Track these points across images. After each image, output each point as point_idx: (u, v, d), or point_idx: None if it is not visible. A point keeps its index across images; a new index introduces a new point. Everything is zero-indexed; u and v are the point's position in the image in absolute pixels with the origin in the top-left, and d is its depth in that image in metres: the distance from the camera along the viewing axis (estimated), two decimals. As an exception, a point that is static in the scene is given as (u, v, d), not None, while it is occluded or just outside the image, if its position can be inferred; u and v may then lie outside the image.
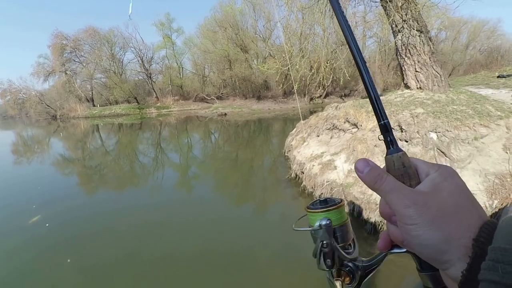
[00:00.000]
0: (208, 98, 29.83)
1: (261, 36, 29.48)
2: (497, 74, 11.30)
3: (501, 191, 3.73)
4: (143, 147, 13.58)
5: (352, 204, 4.25)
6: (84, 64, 37.45)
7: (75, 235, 4.61)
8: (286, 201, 5.56)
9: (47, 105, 37.37)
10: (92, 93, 39.01)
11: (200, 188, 7.09)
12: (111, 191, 7.38)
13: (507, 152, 4.26)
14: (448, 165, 3.78)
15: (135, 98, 34.07)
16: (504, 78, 9.99)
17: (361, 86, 23.79)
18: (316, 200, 0.60)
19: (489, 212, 3.61)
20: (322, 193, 4.64)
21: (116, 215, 5.36)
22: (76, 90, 37.76)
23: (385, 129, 0.43)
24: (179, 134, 16.83)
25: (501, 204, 3.60)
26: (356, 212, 4.21)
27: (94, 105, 37.80)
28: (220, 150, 12.15)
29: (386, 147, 0.43)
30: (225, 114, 23.29)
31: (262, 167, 8.79)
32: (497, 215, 3.55)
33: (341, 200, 0.58)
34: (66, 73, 37.97)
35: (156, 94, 35.49)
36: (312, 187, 4.92)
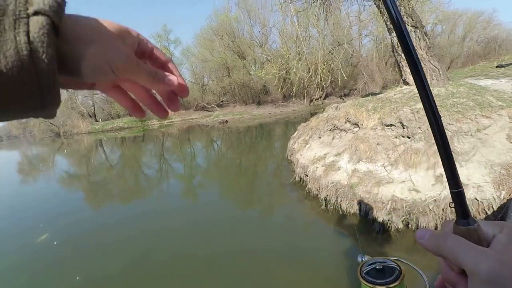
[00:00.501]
0: (209, 107, 29.97)
1: (258, 41, 29.73)
2: (495, 64, 11.25)
3: (508, 181, 3.68)
4: (146, 159, 13.64)
5: (358, 204, 4.22)
6: (85, 80, 37.96)
7: (83, 250, 4.62)
8: (291, 204, 5.54)
9: (50, 123, 37.83)
10: (94, 108, 39.51)
11: (206, 196, 7.12)
12: (117, 204, 7.40)
13: (511, 142, 4.23)
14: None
15: None
16: (503, 68, 9.94)
17: (360, 85, 23.81)
18: (369, 265, 0.54)
19: (497, 203, 3.56)
20: (327, 195, 4.61)
21: (123, 228, 5.36)
22: (78, 106, 38.27)
23: (460, 197, 0.38)
24: (182, 144, 16.89)
25: (509, 195, 3.55)
26: (363, 212, 4.17)
27: (96, 120, 38.24)
28: (223, 157, 12.16)
29: (457, 216, 0.38)
30: (226, 121, 23.38)
31: (266, 172, 8.78)
32: (505, 206, 3.50)
33: (400, 269, 0.51)
34: (67, 90, 38.50)
35: (157, 105, 35.88)
36: (317, 190, 4.89)
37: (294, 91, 19.01)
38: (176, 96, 0.41)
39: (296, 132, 7.41)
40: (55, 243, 4.95)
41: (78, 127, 35.09)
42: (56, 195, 8.78)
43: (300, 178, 5.72)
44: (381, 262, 0.55)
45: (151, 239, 4.77)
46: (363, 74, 23.48)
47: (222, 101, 29.84)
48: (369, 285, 0.51)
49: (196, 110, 31.77)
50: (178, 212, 5.97)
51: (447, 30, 29.36)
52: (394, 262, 0.54)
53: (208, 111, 29.87)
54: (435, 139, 0.39)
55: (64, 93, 38.68)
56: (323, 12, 7.54)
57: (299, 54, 12.17)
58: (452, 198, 0.38)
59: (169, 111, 0.43)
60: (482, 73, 9.73)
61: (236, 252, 4.08)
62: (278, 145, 12.65)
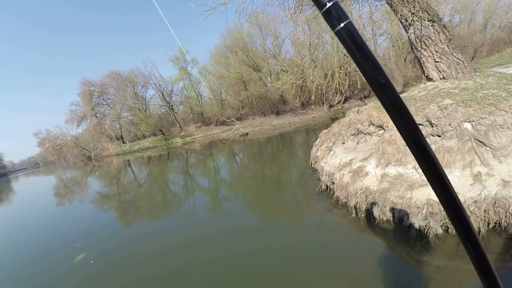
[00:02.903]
0: (228, 121, 30.50)
1: (271, 53, 30.10)
2: (527, 49, 10.47)
3: (558, 175, 3.36)
4: (172, 176, 14.02)
5: (392, 210, 4.02)
6: (111, 106, 40.43)
7: (119, 268, 4.78)
8: (320, 214, 5.38)
9: (82, 148, 40.33)
10: (121, 131, 41.65)
11: (232, 208, 7.15)
12: (147, 221, 7.62)
13: (556, 132, 3.88)
14: (490, 154, 3.49)
15: (161, 130, 35.87)
16: (536, 53, 9.22)
17: (380, 85, 23.18)
18: None
19: (549, 201, 3.25)
20: (357, 203, 4.45)
21: (153, 244, 5.49)
22: (106, 130, 40.59)
23: None
24: (205, 159, 17.21)
25: (562, 191, 3.23)
26: (397, 218, 3.96)
27: (124, 142, 40.21)
28: (246, 169, 12.20)
29: None
30: (247, 133, 23.60)
31: (290, 182, 8.67)
32: (559, 203, 3.17)
33: None
34: (96, 116, 41.07)
35: (179, 124, 37.12)
36: (345, 197, 4.73)
37: (313, 99, 18.87)
38: None
39: (318, 139, 7.28)
40: (91, 262, 5.15)
41: (108, 150, 37.02)
42: (90, 215, 9.22)
43: (327, 186, 5.57)
44: None
45: (182, 253, 4.85)
46: (382, 74, 22.90)
47: (241, 114, 30.26)
48: None
49: (217, 125, 32.47)
50: (206, 226, 6.02)
51: (466, 19, 28.00)
52: None
53: (228, 125, 30.38)
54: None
55: (93, 119, 41.20)
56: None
57: (314, 61, 12.11)
58: None
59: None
60: (511, 60, 9.08)
61: (268, 266, 4.00)
62: (300, 154, 12.51)
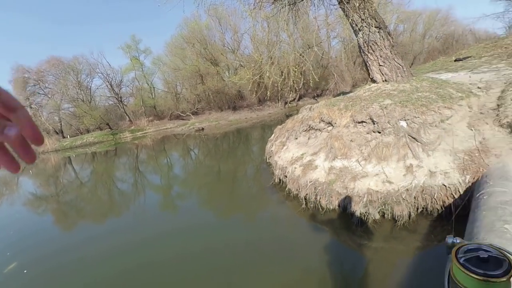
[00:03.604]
0: (184, 115, 29.45)
1: (230, 48, 29.83)
2: (454, 58, 12.00)
3: (471, 166, 3.95)
4: (120, 174, 13.08)
5: (337, 200, 4.32)
6: (50, 96, 35.90)
7: (57, 275, 4.32)
8: (273, 207, 5.56)
9: (12, 143, 35.20)
10: (61, 124, 37.27)
11: (186, 206, 6.97)
12: (90, 224, 6.99)
13: (471, 129, 4.55)
14: (420, 149, 3.94)
15: (107, 124, 32.89)
16: (461, 61, 10.65)
17: (331, 85, 24.63)
18: (468, 251, 0.47)
19: (463, 187, 3.80)
20: (307, 194, 4.68)
21: (98, 248, 5.07)
22: (43, 123, 35.92)
23: None
24: (157, 155, 16.42)
25: (473, 178, 3.80)
26: (341, 207, 4.28)
27: (64, 137, 36.07)
28: (201, 165, 11.98)
29: None
30: (203, 128, 23.10)
31: (246, 177, 8.77)
32: (470, 189, 3.74)
33: (509, 261, 0.45)
34: (31, 107, 36.18)
35: (129, 117, 34.54)
36: (296, 190, 4.95)
37: (269, 95, 19.23)
38: (29, 147, 0.38)
39: (273, 135, 7.48)
40: (25, 271, 4.58)
41: (44, 146, 32.99)
42: (22, 219, 8.15)
43: (280, 180, 5.76)
44: (485, 251, 0.48)
45: (131, 255, 4.56)
46: (334, 75, 24.33)
47: (197, 108, 29.46)
48: (479, 277, 0.45)
49: (171, 119, 31.10)
50: (158, 225, 5.77)
51: (409, 29, 31.26)
52: (497, 250, 0.47)
53: (183, 119, 29.34)
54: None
55: (28, 110, 36.25)
56: (292, 16, 7.73)
57: (271, 58, 12.34)
58: None
59: (24, 163, 0.39)
60: (442, 67, 10.38)
61: (223, 261, 4.01)
62: (256, 149, 12.69)
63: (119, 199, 8.78)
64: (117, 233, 5.67)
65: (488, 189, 3.20)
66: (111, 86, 34.77)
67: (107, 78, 34.55)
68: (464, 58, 10.93)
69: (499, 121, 4.40)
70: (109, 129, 32.50)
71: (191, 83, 30.80)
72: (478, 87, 5.79)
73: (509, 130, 4.18)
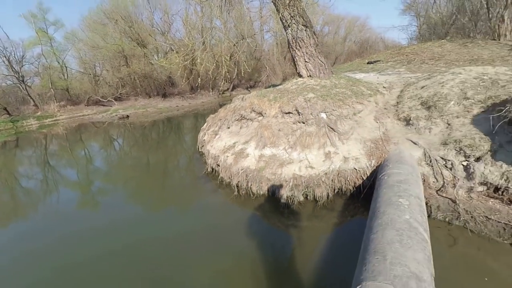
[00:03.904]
0: (105, 101, 26.21)
1: (160, 29, 27.65)
2: (367, 61, 13.84)
3: (376, 152, 4.70)
4: (25, 169, 11.00)
5: (266, 185, 4.60)
6: None
7: None
8: (206, 196, 5.56)
9: None
10: None
11: (110, 202, 6.25)
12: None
13: (377, 122, 5.38)
14: (337, 138, 4.47)
15: (5, 109, 26.71)
16: (372, 64, 12.36)
17: (263, 77, 25.49)
18: None
19: (369, 170, 4.51)
20: (239, 181, 4.84)
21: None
22: None
23: None
24: (72, 146, 14.34)
25: (377, 162, 4.54)
26: (271, 192, 4.58)
27: None
28: (127, 156, 11.02)
29: None
30: (127, 116, 21.08)
31: (178, 167, 8.47)
32: (375, 172, 4.46)
33: None
34: None
35: (34, 101, 28.75)
36: (229, 178, 5.06)
37: (200, 82, 18.76)
38: None
39: (205, 124, 7.40)
40: None
41: None
42: None
43: (212, 169, 5.78)
44: None
45: (44, 259, 3.98)
46: (266, 67, 25.17)
47: (120, 94, 26.52)
48: None
49: (88, 105, 27.33)
50: (77, 226, 5.06)
51: (333, 31, 34.67)
52: None
53: (104, 105, 26.15)
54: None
55: None
56: (226, 4, 7.63)
57: (204, 44, 11.99)
58: None
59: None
60: (357, 68, 11.89)
61: (154, 253, 3.87)
62: (188, 139, 12.32)
63: (24, 199, 7.38)
64: (25, 238, 4.82)
65: (388, 171, 3.87)
66: (9, 62, 28.24)
67: (4, 52, 27.92)
68: (375, 62, 12.72)
69: (398, 115, 5.33)
70: (8, 115, 26.49)
71: (114, 65, 27.50)
72: (384, 87, 6.86)
73: (405, 123, 5.11)
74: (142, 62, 25.39)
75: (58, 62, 29.90)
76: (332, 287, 3.06)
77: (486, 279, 2.87)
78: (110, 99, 25.85)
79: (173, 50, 23.93)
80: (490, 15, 13.31)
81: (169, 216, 5.17)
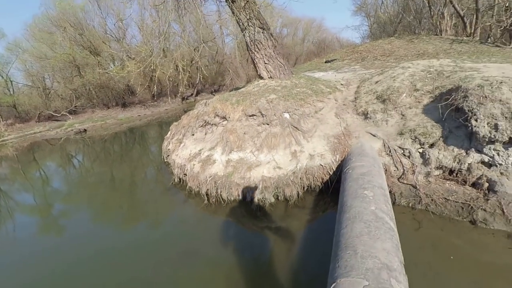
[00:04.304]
0: (58, 115, 24.20)
1: (114, 36, 26.25)
2: (324, 60, 14.38)
3: (339, 147, 4.85)
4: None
5: (236, 190, 4.53)
6: None
7: None
8: (175, 207, 5.35)
9: None
10: None
11: (74, 224, 5.69)
12: None
13: (338, 118, 5.57)
14: (302, 136, 4.54)
15: None
16: (329, 63, 12.85)
17: (227, 81, 25.38)
18: None
19: (335, 165, 4.64)
20: (208, 189, 4.71)
21: None
22: None
23: None
24: (26, 168, 13.03)
25: (341, 157, 4.69)
26: (241, 196, 4.52)
27: None
28: (89, 173, 10.27)
29: None
30: (85, 130, 19.68)
31: (145, 180, 8.06)
32: (340, 166, 4.59)
33: None
34: None
35: (-28, 121, 25.89)
36: (197, 186, 4.91)
37: (161, 89, 18.14)
38: None
39: (169, 132, 7.12)
40: None
41: None
42: None
43: (180, 179, 5.57)
44: None
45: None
46: (229, 71, 25.07)
47: (75, 106, 24.69)
48: None
49: (40, 121, 25.06)
50: (39, 255, 4.53)
51: (291, 33, 35.81)
52: None
53: (57, 120, 24.16)
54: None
55: None
56: (182, 8, 7.43)
57: (164, 51, 11.60)
58: None
59: None
60: (316, 67, 12.27)
61: (125, 271, 3.68)
62: (154, 149, 11.82)
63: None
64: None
65: (351, 164, 4.00)
66: None
67: None
68: (332, 60, 13.25)
69: (356, 110, 5.57)
70: None
71: (65, 76, 25.56)
72: (341, 84, 7.14)
73: (364, 116, 5.34)
74: (96, 71, 23.90)
75: (2, 76, 27.05)
76: (311, 284, 3.08)
77: (451, 257, 3.07)
78: (64, 113, 23.95)
79: (130, 58, 22.87)
80: (432, 13, 14.58)
81: (139, 233, 4.86)
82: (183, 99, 24.81)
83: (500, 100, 3.50)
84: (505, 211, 3.33)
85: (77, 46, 24.78)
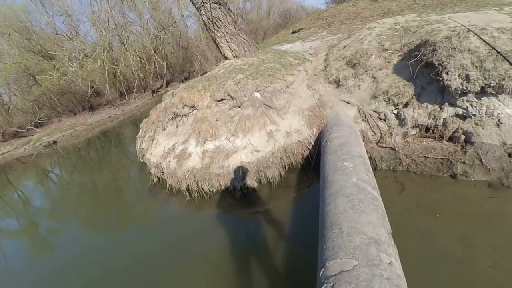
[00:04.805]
0: (23, 131, 22.62)
1: (65, 35, 24.25)
2: (291, 31, 13.93)
3: (315, 120, 4.72)
4: None
5: (217, 181, 4.36)
6: None
7: None
8: (158, 208, 5.16)
9: None
10: None
11: (65, 240, 5.48)
12: None
13: (310, 90, 5.39)
14: (276, 114, 4.35)
15: None
16: (296, 33, 12.45)
17: (196, 66, 24.40)
18: None
19: (313, 139, 4.53)
20: (188, 185, 4.51)
21: None
22: None
23: None
24: (1, 192, 12.27)
25: (318, 130, 4.57)
26: (223, 186, 4.37)
27: None
28: (69, 185, 9.81)
29: None
30: (54, 142, 18.55)
31: (128, 183, 7.77)
32: (318, 139, 4.49)
33: None
34: None
35: None
36: (177, 183, 4.70)
37: (128, 86, 17.23)
38: None
39: (140, 131, 6.73)
40: None
41: None
42: None
43: (158, 178, 5.32)
44: None
45: None
46: (197, 55, 24.04)
47: (40, 118, 23.14)
48: None
49: (5, 140, 23.41)
50: (35, 280, 4.34)
51: (256, 7, 34.36)
52: None
53: (24, 136, 22.63)
54: None
55: None
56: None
57: (123, 44, 10.88)
58: None
59: None
60: (283, 39, 11.85)
61: (124, 283, 3.57)
62: (133, 149, 11.29)
63: None
64: None
65: (328, 136, 3.89)
66: None
67: None
68: (298, 30, 12.85)
69: (328, 79, 5.39)
70: None
71: (21, 87, 23.70)
72: (310, 53, 6.89)
73: (336, 85, 5.19)
74: (54, 76, 22.23)
75: None
76: (304, 266, 3.04)
77: (438, 215, 3.09)
78: (30, 127, 22.41)
79: (88, 56, 21.33)
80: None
81: (127, 240, 4.69)
82: (153, 92, 23.74)
83: (469, 50, 3.42)
84: (483, 161, 3.36)
85: (28, 52, 22.84)
